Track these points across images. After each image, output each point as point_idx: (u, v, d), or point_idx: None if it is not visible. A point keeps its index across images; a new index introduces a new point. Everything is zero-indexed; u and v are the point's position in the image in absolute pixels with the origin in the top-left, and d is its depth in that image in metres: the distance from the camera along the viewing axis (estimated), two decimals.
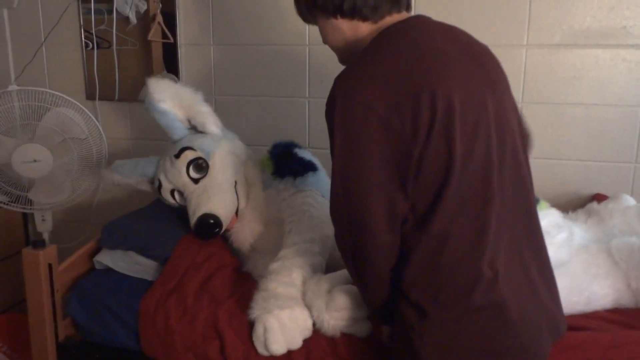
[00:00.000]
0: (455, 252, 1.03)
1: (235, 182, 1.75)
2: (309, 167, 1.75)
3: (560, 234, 1.46)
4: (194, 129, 1.81)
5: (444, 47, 1.07)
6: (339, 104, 1.01)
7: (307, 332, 1.39)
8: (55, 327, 1.59)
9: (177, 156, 1.72)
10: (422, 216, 1.04)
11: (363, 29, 1.14)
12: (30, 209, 2.13)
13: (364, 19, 1.12)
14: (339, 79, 1.05)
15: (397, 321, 1.12)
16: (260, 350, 1.38)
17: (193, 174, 1.71)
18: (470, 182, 1.03)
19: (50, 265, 1.55)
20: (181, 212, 1.77)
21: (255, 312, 1.40)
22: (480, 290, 1.02)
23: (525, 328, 1.06)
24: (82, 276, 1.71)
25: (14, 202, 2.10)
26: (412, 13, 1.18)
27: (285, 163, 1.74)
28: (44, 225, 2.21)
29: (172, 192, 1.76)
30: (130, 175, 1.84)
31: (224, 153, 1.75)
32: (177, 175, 1.72)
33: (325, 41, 1.22)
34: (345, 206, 1.06)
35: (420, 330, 1.05)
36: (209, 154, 1.71)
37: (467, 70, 1.07)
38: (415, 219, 1.04)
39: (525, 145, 1.21)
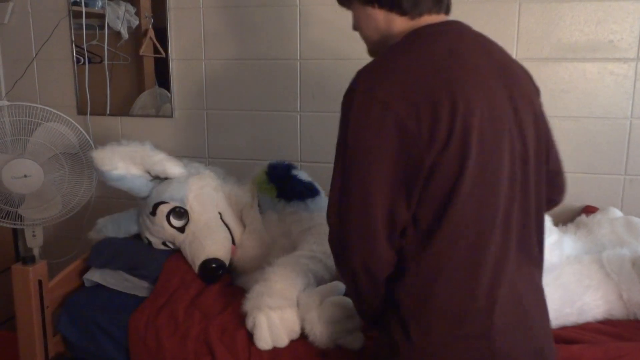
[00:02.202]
0: (452, 277, 1.00)
1: (220, 214, 1.74)
2: (315, 189, 1.76)
3: (549, 237, 1.47)
4: (158, 177, 1.78)
5: (474, 60, 1.02)
6: (358, 98, 0.97)
7: (294, 334, 1.40)
8: (45, 344, 1.57)
9: (153, 214, 1.71)
10: (425, 232, 1.00)
11: (398, 23, 1.08)
12: (21, 224, 2.12)
13: (402, 12, 1.07)
14: (362, 72, 1.00)
15: (384, 330, 1.09)
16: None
17: (176, 223, 1.70)
18: (477, 204, 0.99)
19: (40, 282, 1.54)
20: None
21: (248, 305, 1.42)
22: (472, 319, 0.99)
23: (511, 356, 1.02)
24: (73, 292, 1.69)
25: (4, 218, 2.08)
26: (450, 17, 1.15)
27: (288, 186, 1.74)
28: (34, 241, 2.20)
29: (163, 243, 1.76)
30: (117, 235, 1.84)
31: (197, 191, 1.72)
32: (162, 230, 1.72)
33: (355, 28, 1.17)
34: (345, 205, 1.01)
35: (405, 349, 1.02)
36: (182, 200, 1.70)
37: (493, 87, 1.02)
38: (416, 235, 1.01)
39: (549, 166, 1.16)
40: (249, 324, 1.40)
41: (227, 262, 1.68)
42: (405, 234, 1.01)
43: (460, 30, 1.08)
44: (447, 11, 1.14)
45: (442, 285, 1.00)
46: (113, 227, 1.85)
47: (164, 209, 1.70)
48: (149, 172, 1.75)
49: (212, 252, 1.64)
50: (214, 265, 1.63)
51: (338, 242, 1.05)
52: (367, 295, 1.10)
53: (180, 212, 1.70)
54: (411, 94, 0.95)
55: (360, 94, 0.98)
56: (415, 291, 1.02)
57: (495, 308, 1.00)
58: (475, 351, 1.00)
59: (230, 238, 1.72)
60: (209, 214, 1.71)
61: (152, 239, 1.76)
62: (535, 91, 1.14)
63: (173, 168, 1.75)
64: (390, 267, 1.05)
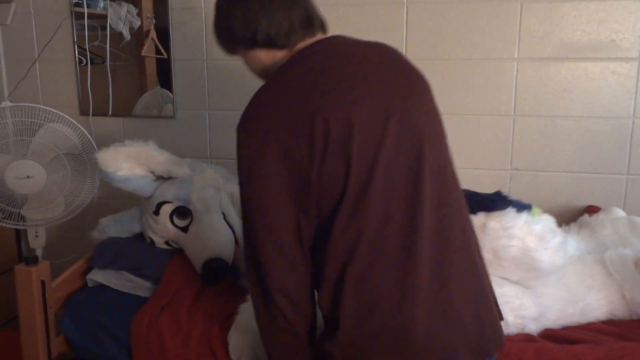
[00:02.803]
0: (358, 273, 1.02)
1: (224, 214, 1.74)
2: None
3: (554, 239, 1.47)
4: (162, 177, 1.78)
5: (345, 70, 1.08)
6: (241, 136, 1.07)
7: None
8: (48, 344, 1.57)
9: (157, 213, 1.71)
10: (323, 240, 1.05)
11: (279, 55, 1.17)
12: (23, 225, 2.12)
13: (280, 47, 1.16)
14: (244, 111, 1.09)
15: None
16: None
17: (179, 223, 1.70)
18: (373, 202, 1.02)
19: (43, 282, 1.54)
20: None
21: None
22: (383, 312, 1.01)
23: (433, 350, 1.03)
24: (75, 292, 1.70)
25: (7, 219, 2.08)
26: (330, 33, 1.21)
27: None
28: (37, 242, 2.20)
29: (166, 242, 1.76)
30: (120, 235, 1.85)
31: (200, 191, 1.73)
32: (165, 229, 1.72)
33: (249, 70, 1.27)
34: (255, 236, 1.07)
35: (329, 344, 1.05)
36: (186, 199, 1.70)
37: (370, 90, 1.06)
38: (321, 244, 1.05)
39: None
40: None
41: (229, 262, 1.67)
42: (314, 247, 1.07)
43: (332, 44, 1.15)
44: (322, 30, 1.22)
45: (349, 281, 1.03)
46: (116, 226, 1.86)
47: (167, 209, 1.70)
48: (153, 172, 1.75)
49: (214, 252, 1.63)
50: (216, 266, 1.62)
51: (254, 270, 1.09)
52: (291, 321, 1.10)
53: (183, 212, 1.70)
54: (287, 118, 1.02)
55: (242, 133, 1.07)
56: (330, 291, 1.05)
57: (406, 299, 1.01)
58: (392, 342, 1.02)
59: (233, 238, 1.72)
60: (212, 214, 1.71)
61: (155, 238, 1.76)
62: (423, 88, 1.17)
63: (177, 168, 1.75)
64: (308, 288, 1.09)
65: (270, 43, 1.16)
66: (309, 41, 1.17)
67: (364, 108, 1.04)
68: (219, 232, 1.69)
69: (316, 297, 1.11)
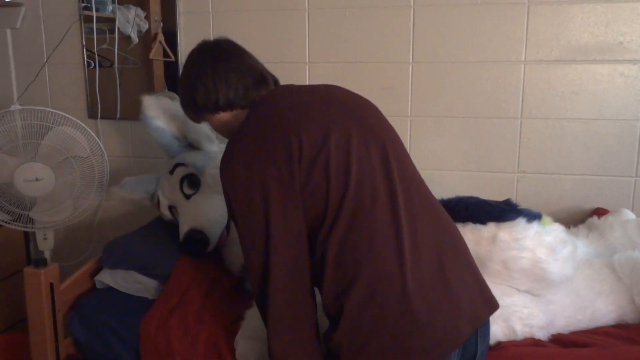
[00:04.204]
0: (355, 258, 1.10)
1: None
2: None
3: (565, 249, 1.46)
4: (191, 145, 1.81)
5: (300, 99, 1.24)
6: (226, 177, 1.16)
7: None
8: (57, 347, 1.58)
9: (171, 172, 1.75)
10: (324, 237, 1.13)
11: (241, 113, 1.32)
12: (32, 227, 2.14)
13: (241, 107, 1.32)
14: (222, 158, 1.19)
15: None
16: None
17: (187, 190, 1.72)
18: (354, 200, 1.12)
19: (51, 284, 1.55)
20: None
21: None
22: (384, 294, 1.08)
23: (434, 326, 1.09)
24: (84, 295, 1.71)
25: (16, 221, 2.10)
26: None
27: None
28: (45, 244, 2.21)
29: (169, 209, 1.77)
30: (133, 192, 1.87)
31: (217, 169, 1.74)
32: (172, 191, 1.74)
33: (215, 130, 1.41)
34: (274, 251, 1.12)
35: (337, 335, 1.10)
36: (201, 170, 1.72)
37: (325, 111, 1.20)
38: (321, 242, 1.12)
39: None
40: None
41: (212, 240, 1.68)
42: (315, 251, 1.14)
43: (285, 87, 1.34)
44: (275, 84, 1.39)
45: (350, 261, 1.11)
46: (133, 183, 1.90)
47: (180, 171, 1.74)
48: (185, 137, 1.80)
49: (200, 224, 1.65)
50: (198, 237, 1.64)
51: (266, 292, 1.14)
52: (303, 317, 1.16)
53: (194, 181, 1.72)
54: (261, 149, 1.14)
55: (226, 175, 1.17)
56: (332, 286, 1.12)
57: (406, 278, 1.09)
58: (398, 323, 1.07)
59: (225, 223, 1.73)
60: (217, 193, 1.72)
61: (162, 199, 1.79)
62: (374, 107, 1.32)
63: (207, 142, 1.81)
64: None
65: (231, 105, 1.31)
66: (264, 92, 1.33)
67: (319, 128, 1.15)
68: (214, 210, 1.70)
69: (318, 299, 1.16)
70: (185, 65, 1.39)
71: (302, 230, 1.13)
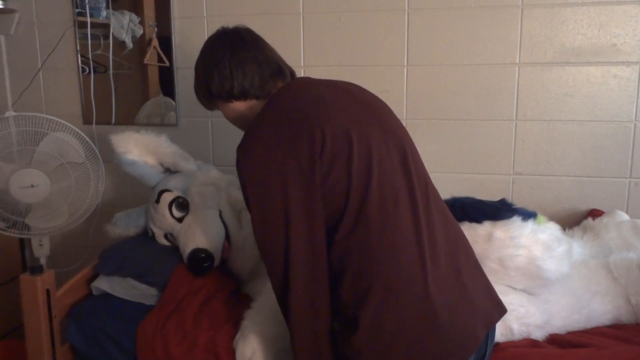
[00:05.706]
0: (375, 257, 1.10)
1: (220, 212, 1.75)
2: None
3: (560, 247, 1.47)
4: (169, 170, 1.82)
5: (321, 93, 1.22)
6: (242, 166, 1.14)
7: None
8: (54, 353, 1.58)
9: (157, 201, 1.75)
10: (344, 235, 1.12)
11: (256, 103, 1.31)
12: (28, 234, 2.12)
13: (257, 97, 1.30)
14: (239, 147, 1.17)
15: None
16: None
17: (177, 214, 1.73)
18: (375, 197, 1.11)
19: (48, 291, 1.55)
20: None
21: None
22: (408, 297, 1.08)
23: (455, 328, 1.09)
24: (80, 301, 1.70)
25: (11, 228, 2.09)
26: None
27: None
28: (41, 250, 2.20)
29: (165, 236, 1.78)
30: (128, 228, 1.90)
31: (200, 186, 1.76)
32: (163, 219, 1.74)
33: (227, 118, 1.39)
34: (295, 249, 1.11)
35: (356, 339, 1.08)
36: (186, 191, 1.73)
37: (346, 106, 1.19)
38: (340, 240, 1.12)
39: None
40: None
41: (216, 256, 1.68)
42: (332, 242, 1.13)
43: (304, 80, 1.32)
44: (292, 76, 1.37)
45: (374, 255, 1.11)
46: (125, 219, 1.91)
47: (167, 197, 1.74)
48: (161, 164, 1.82)
49: (202, 243, 1.65)
50: (202, 255, 1.64)
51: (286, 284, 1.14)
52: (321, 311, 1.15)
53: (182, 204, 1.73)
54: (283, 139, 1.12)
55: (244, 163, 1.14)
56: (353, 277, 1.11)
57: (428, 280, 1.09)
58: (419, 324, 1.07)
59: (224, 235, 1.73)
60: (208, 209, 1.73)
61: (155, 230, 1.79)
62: (390, 109, 1.33)
63: (183, 162, 1.82)
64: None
65: (246, 94, 1.30)
66: (281, 84, 1.31)
67: (343, 122, 1.14)
68: (210, 226, 1.70)
69: None
70: (202, 51, 1.37)
71: (321, 222, 1.11)
